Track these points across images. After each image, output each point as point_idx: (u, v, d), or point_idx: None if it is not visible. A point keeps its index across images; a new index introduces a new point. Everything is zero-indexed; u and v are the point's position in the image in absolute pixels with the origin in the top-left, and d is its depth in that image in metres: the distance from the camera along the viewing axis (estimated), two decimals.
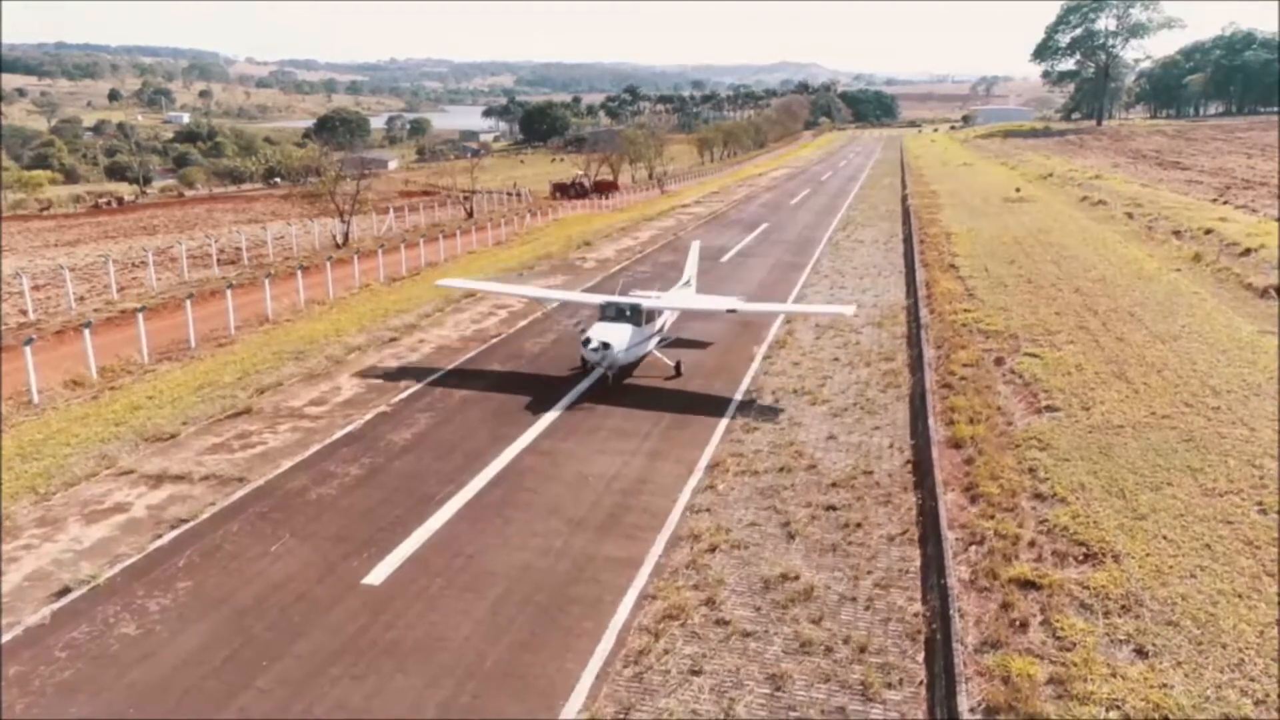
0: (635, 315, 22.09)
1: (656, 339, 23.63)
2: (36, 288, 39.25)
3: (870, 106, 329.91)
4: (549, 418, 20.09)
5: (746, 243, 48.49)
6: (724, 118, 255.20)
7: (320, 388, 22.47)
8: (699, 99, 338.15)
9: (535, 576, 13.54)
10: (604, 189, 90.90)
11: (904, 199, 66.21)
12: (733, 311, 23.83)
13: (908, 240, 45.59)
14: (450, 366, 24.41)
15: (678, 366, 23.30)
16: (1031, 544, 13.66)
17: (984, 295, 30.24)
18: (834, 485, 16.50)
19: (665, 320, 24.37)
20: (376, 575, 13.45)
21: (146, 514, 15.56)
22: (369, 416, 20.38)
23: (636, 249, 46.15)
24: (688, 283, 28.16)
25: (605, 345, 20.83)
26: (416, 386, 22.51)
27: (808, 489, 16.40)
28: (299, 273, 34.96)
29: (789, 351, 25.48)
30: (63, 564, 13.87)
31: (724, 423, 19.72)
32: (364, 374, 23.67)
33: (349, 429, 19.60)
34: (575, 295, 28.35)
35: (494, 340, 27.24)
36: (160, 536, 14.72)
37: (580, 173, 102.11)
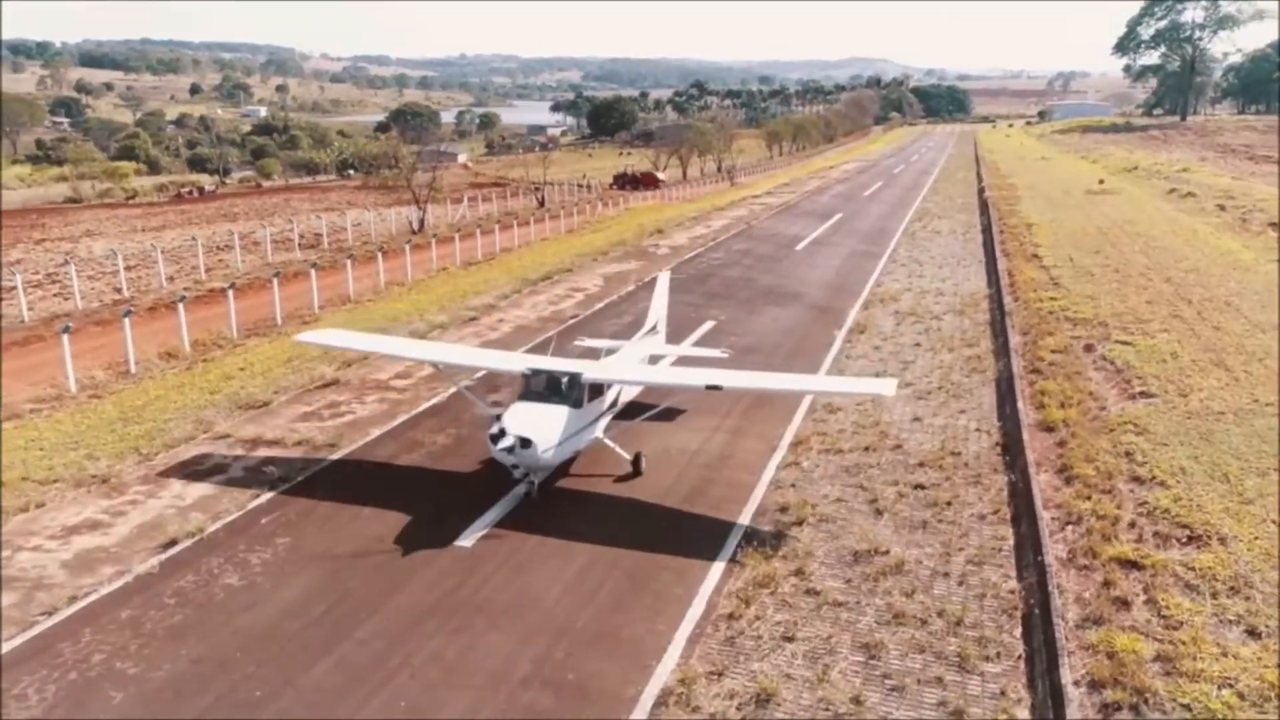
0: (573, 390, 14.77)
1: (605, 419, 16.07)
2: (129, 268, 40.66)
3: (942, 102, 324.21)
4: (684, 350, 20.19)
5: (820, 232, 48.09)
6: (792, 113, 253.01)
7: (404, 362, 22.86)
8: (766, 94, 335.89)
9: (622, 544, 13.59)
10: (647, 182, 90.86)
11: (980, 191, 64.96)
12: (714, 389, 14.85)
13: (987, 230, 44.73)
14: (527, 346, 24.64)
15: (637, 461, 15.71)
16: (1132, 525, 13.30)
17: (1069, 284, 29.54)
18: (921, 465, 16.28)
19: (619, 391, 16.58)
20: (467, 538, 13.64)
21: (243, 474, 16.03)
22: (453, 390, 20.67)
23: (709, 237, 46.06)
24: (654, 330, 20.37)
25: (524, 442, 13.64)
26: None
27: (894, 468, 16.20)
28: (379, 255, 35.64)
29: (869, 336, 25.21)
30: (168, 518, 14.36)
31: (806, 403, 19.56)
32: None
33: (433, 402, 19.92)
34: (487, 356, 19.10)
35: (571, 321, 27.44)
36: (258, 496, 15.14)
37: (629, 165, 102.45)
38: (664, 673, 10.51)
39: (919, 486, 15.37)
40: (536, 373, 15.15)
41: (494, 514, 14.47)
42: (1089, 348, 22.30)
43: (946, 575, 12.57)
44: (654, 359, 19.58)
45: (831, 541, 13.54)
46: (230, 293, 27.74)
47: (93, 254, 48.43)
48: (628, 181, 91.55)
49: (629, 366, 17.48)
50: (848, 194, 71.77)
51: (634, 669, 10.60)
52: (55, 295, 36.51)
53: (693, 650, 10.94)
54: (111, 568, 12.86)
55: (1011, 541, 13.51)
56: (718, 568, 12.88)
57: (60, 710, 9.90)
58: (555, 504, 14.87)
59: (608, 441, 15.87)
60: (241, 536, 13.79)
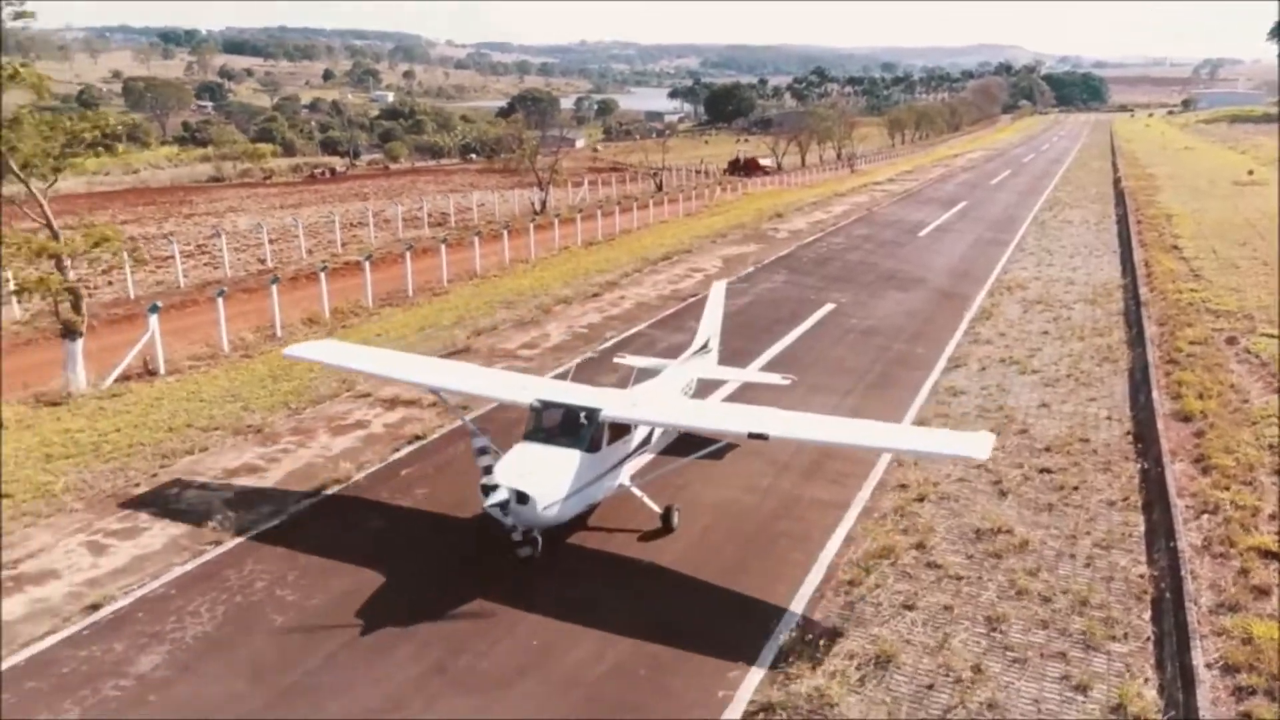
0: (589, 430, 12.03)
1: (631, 464, 13.12)
2: (270, 241, 43.01)
3: (1076, 90, 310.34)
4: (751, 368, 20.39)
5: (944, 219, 47.10)
6: (915, 100, 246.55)
7: (530, 334, 23.70)
8: (889, 81, 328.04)
9: (742, 510, 13.92)
10: (751, 168, 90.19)
11: (1116, 181, 62.34)
12: (759, 438, 11.61)
13: (1122, 221, 43.03)
14: (650, 320, 25.14)
15: (668, 515, 12.93)
16: (1273, 517, 12.87)
17: (1212, 276, 28.28)
18: (1047, 450, 16.04)
19: (653, 430, 13.43)
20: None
21: (384, 430, 16.99)
22: (577, 361, 21.26)
23: (829, 222, 45.69)
24: (705, 349, 17.10)
25: (520, 497, 11.06)
26: (620, 336, 23.35)
27: (1019, 451, 16.00)
28: (505, 234, 36.73)
29: (995, 323, 24.76)
30: (317, 466, 15.39)
31: (928, 384, 19.45)
32: (570, 324, 24.74)
33: (558, 371, 20.60)
34: (492, 383, 14.39)
35: (690, 300, 27.77)
36: (398, 450, 16.06)
37: (741, 151, 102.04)
38: (783, 632, 10.79)
39: (1045, 470, 15.16)
40: (547, 406, 12.40)
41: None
42: (1231, 340, 21.40)
43: (1072, 557, 12.44)
44: (700, 384, 16.41)
45: (953, 519, 13.53)
46: (367, 264, 29.13)
47: (237, 228, 51.24)
48: (739, 168, 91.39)
49: (664, 399, 13.90)
50: (973, 182, 69.83)
51: (754, 624, 10.92)
52: (205, 265, 38.99)
53: (811, 612, 11.19)
54: (269, 507, 13.92)
55: (1142, 528, 13.24)
56: (837, 536, 13.05)
57: (230, 627, 10.86)
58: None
59: (635, 490, 12.88)
60: (384, 485, 14.67)
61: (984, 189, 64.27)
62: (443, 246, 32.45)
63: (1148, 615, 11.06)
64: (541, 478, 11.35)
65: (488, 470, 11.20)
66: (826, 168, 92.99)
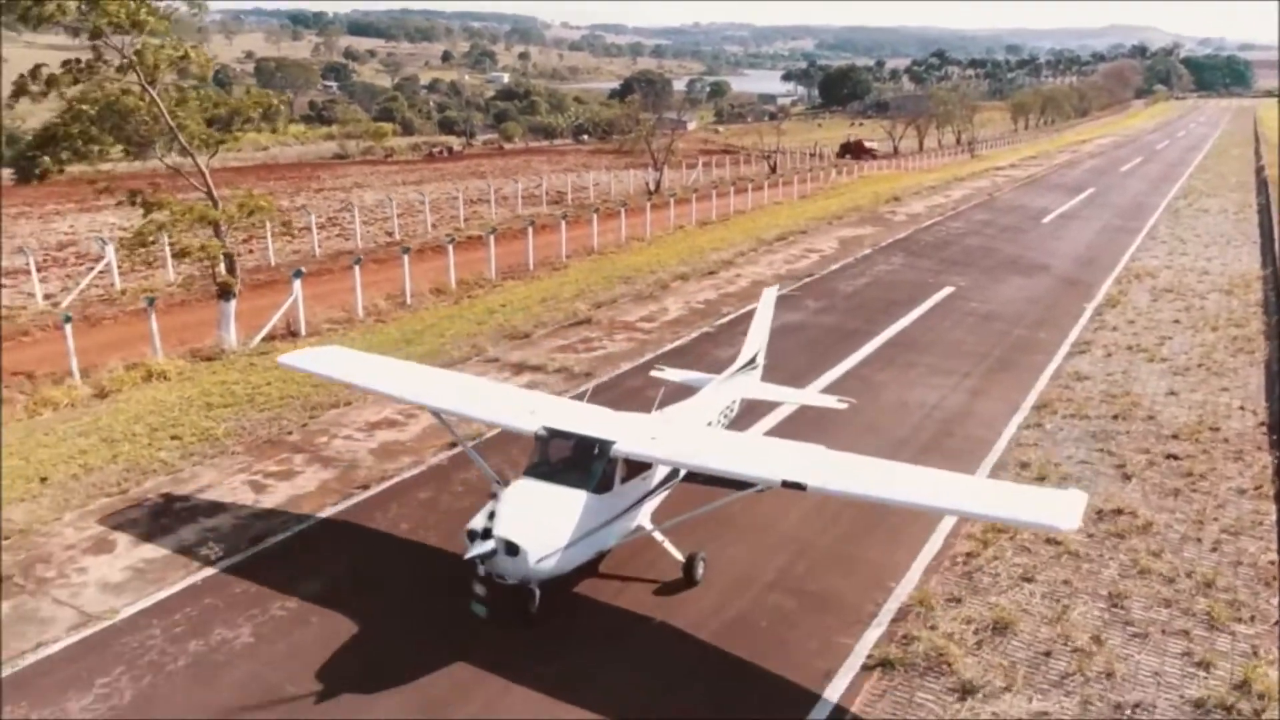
0: (600, 465, 10.43)
1: (652, 502, 11.45)
2: (397, 215, 44.86)
3: (1218, 74, 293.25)
4: (868, 348, 20.59)
5: (1070, 206, 45.70)
6: (1041, 84, 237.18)
7: (649, 308, 24.31)
8: (1013, 64, 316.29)
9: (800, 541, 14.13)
10: (859, 151, 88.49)
11: (1259, 170, 59.15)
12: (795, 487, 9.58)
13: (1264, 210, 40.99)
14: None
15: (691, 566, 11.08)
16: None
17: None
18: (1174, 437, 15.77)
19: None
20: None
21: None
22: (694, 335, 21.85)
23: (948, 206, 44.92)
24: (752, 364, 15.09)
25: (510, 548, 9.52)
26: (735, 313, 23.73)
27: (1145, 437, 15.79)
28: (622, 211, 37.45)
29: (1123, 310, 24.20)
30: (451, 422, 16.30)
31: (1051, 369, 19.25)
32: (687, 299, 25.25)
33: (677, 344, 21.16)
34: (495, 403, 12.09)
35: (807, 280, 27.93)
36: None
37: (850, 134, 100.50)
38: (902, 593, 11.08)
39: (1172, 456, 14.95)
40: (553, 435, 10.71)
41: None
42: None
43: (1198, 541, 12.33)
44: (741, 405, 14.50)
45: None
46: (491, 238, 30.21)
47: (364, 203, 53.53)
48: (849, 151, 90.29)
49: (694, 428, 12.09)
50: (1102, 169, 67.27)
51: (872, 585, 11.23)
52: (336, 236, 41.00)
53: (929, 580, 11.44)
54: (409, 458, 14.90)
55: (1274, 517, 12.99)
56: None
57: (377, 563, 11.78)
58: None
59: (656, 534, 11.15)
60: (515, 443, 15.42)
61: (1113, 175, 61.88)
62: (562, 223, 33.33)
63: (1276, 601, 10.93)
64: (537, 524, 9.65)
65: (493, 515, 9.63)
66: (945, 153, 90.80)
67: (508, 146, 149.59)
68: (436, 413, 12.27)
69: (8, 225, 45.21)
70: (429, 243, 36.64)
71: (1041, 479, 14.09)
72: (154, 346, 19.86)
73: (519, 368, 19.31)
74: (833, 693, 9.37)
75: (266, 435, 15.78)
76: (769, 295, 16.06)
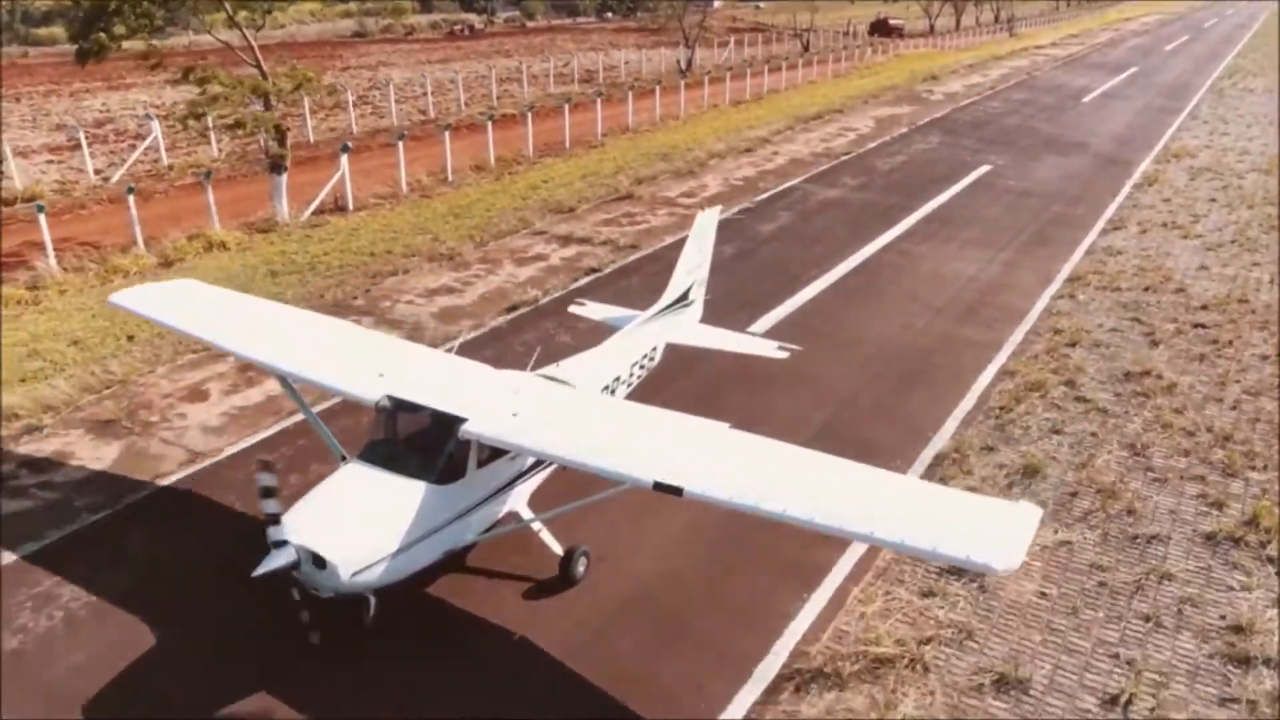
0: (444, 447, 8.38)
1: (529, 483, 9.49)
2: (425, 94, 44.70)
3: None
4: (906, 223, 21.02)
5: (1111, 85, 44.87)
6: None
7: (688, 184, 24.71)
8: None
9: (899, 345, 14.94)
10: (884, 29, 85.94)
11: None
12: (668, 491, 7.31)
13: None
14: (804, 175, 25.71)
15: (569, 561, 9.21)
16: None
17: None
18: (1203, 308, 16.33)
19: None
20: (758, 327, 15.44)
21: (562, 263, 18.57)
22: (734, 211, 22.31)
23: (986, 85, 44.26)
24: (684, 300, 12.77)
25: (315, 560, 7.56)
26: (775, 189, 24.12)
27: (1174, 308, 16.36)
28: (656, 90, 37.25)
29: (1159, 189, 24.37)
30: (507, 290, 17.11)
31: (1085, 244, 19.68)
32: (726, 176, 25.59)
33: (719, 218, 21.58)
34: (336, 364, 9.43)
35: (843, 158, 28.09)
36: (576, 280, 17.61)
37: (881, 12, 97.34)
38: (939, 443, 11.95)
39: (1199, 325, 15.55)
40: (397, 407, 8.71)
41: (781, 310, 16.10)
42: None
43: (1219, 400, 13.05)
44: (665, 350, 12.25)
45: (1103, 362, 14.23)
46: (529, 116, 30.39)
47: (392, 81, 53.20)
48: (877, 29, 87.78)
49: (570, 400, 9.48)
50: (1146, 48, 65.40)
51: (910, 436, 12.09)
52: (370, 114, 41.07)
53: (964, 431, 12.29)
54: (469, 321, 15.75)
55: None
56: (990, 371, 13.93)
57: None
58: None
59: (532, 520, 9.19)
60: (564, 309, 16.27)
61: (1157, 55, 60.23)
62: (598, 101, 33.35)
63: None
64: (352, 527, 7.79)
65: (273, 519, 7.52)
66: (983, 31, 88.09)
67: (529, 24, 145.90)
68: (279, 375, 9.70)
69: (39, 103, 45.48)
70: (463, 120, 36.72)
71: (1073, 344, 14.76)
72: (212, 218, 20.59)
73: (566, 240, 19.96)
74: None
75: (332, 300, 16.64)
76: (707, 219, 13.19)
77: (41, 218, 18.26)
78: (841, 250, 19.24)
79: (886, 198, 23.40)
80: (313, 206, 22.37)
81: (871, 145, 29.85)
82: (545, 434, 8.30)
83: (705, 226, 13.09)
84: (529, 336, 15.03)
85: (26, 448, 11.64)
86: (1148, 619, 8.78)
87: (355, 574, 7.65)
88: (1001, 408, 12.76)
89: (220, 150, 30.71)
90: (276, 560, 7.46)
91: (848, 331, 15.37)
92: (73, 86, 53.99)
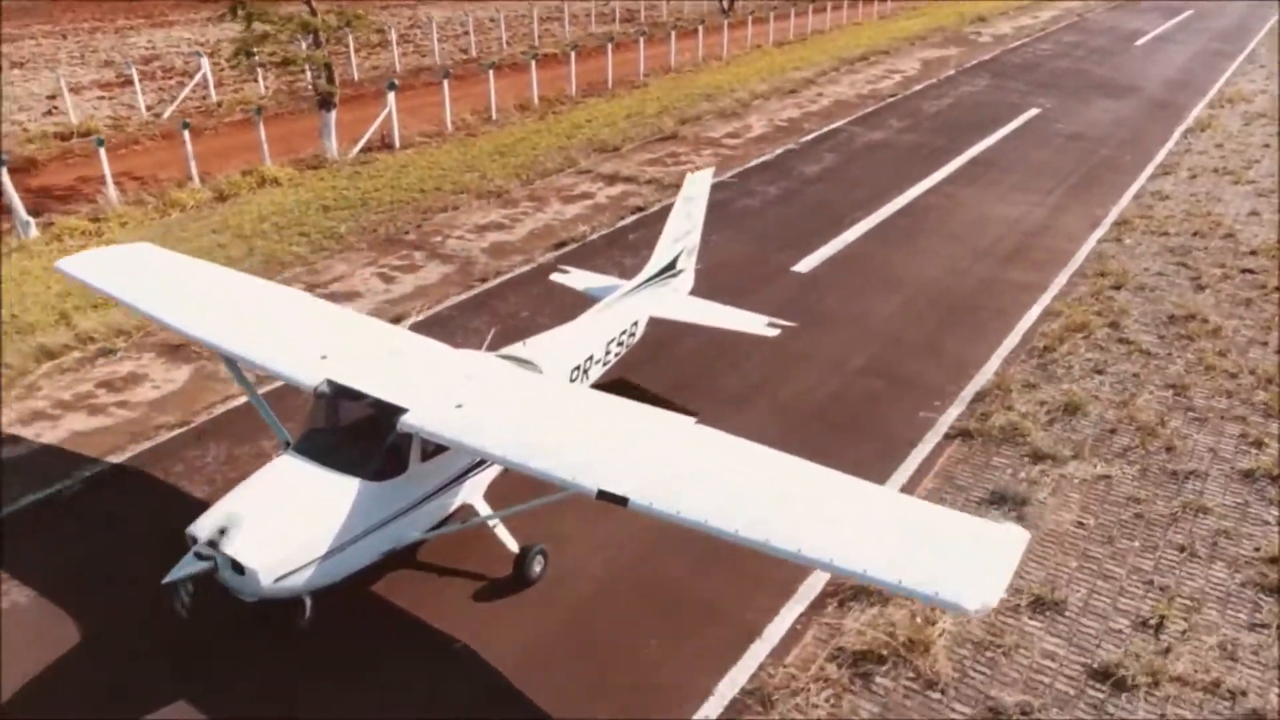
0: (383, 440, 7.80)
1: (478, 478, 8.71)
2: (465, 33, 44.55)
3: None
4: (952, 166, 20.95)
5: (1165, 28, 43.69)
6: None
7: (732, 125, 24.69)
8: None
9: (943, 286, 15.09)
10: None
11: None
12: (612, 500, 6.62)
13: None
14: (849, 118, 25.56)
15: (523, 559, 8.50)
16: None
17: None
18: (1253, 253, 16.28)
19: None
20: (803, 266, 15.65)
21: (608, 201, 18.80)
22: (779, 152, 22.34)
23: (1036, 28, 43.30)
24: (672, 269, 11.94)
25: (234, 565, 7.01)
26: (820, 131, 24.05)
27: (1222, 253, 16.31)
28: (699, 30, 36.90)
29: (1212, 134, 24.02)
30: (555, 227, 17.40)
31: (1134, 189, 19.54)
32: (770, 117, 25.52)
33: (763, 159, 21.71)
34: (278, 345, 8.65)
35: (889, 100, 27.83)
36: (623, 217, 17.85)
37: None
38: (981, 381, 12.17)
39: (1247, 271, 15.53)
40: (336, 394, 8.08)
41: (826, 250, 16.26)
42: None
43: (1264, 345, 13.12)
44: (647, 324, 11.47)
45: (1147, 305, 14.31)
46: (572, 55, 30.33)
47: (433, 19, 52.99)
48: None
49: (525, 389, 8.53)
50: None
51: (954, 373, 12.33)
52: (412, 53, 41.10)
53: (1006, 369, 12.50)
54: (519, 256, 16.09)
55: None
56: (1033, 312, 14.05)
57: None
58: (875, 254, 15.26)
59: (490, 518, 8.51)
60: (614, 246, 16.54)
61: None
62: (640, 41, 33.13)
63: None
64: (277, 531, 7.21)
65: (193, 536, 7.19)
66: None
67: None
68: (225, 355, 8.94)
69: (85, 40, 45.96)
70: (506, 60, 36.70)
71: (1118, 287, 14.82)
72: (263, 154, 20.97)
73: (611, 179, 20.15)
74: (915, 457, 10.62)
75: (385, 234, 17.03)
76: (699, 181, 12.09)
77: (101, 151, 18.74)
78: (886, 192, 19.26)
79: (932, 140, 23.27)
80: (361, 143, 22.65)
81: (917, 88, 29.51)
82: (488, 430, 7.51)
83: (696, 189, 12.04)
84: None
85: (102, 370, 12.22)
86: (1182, 549, 9.05)
87: (278, 580, 7.13)
88: (1044, 348, 12.94)
89: (267, 88, 31.03)
90: (190, 566, 7.02)
91: (892, 272, 15.52)
92: (117, 23, 54.44)
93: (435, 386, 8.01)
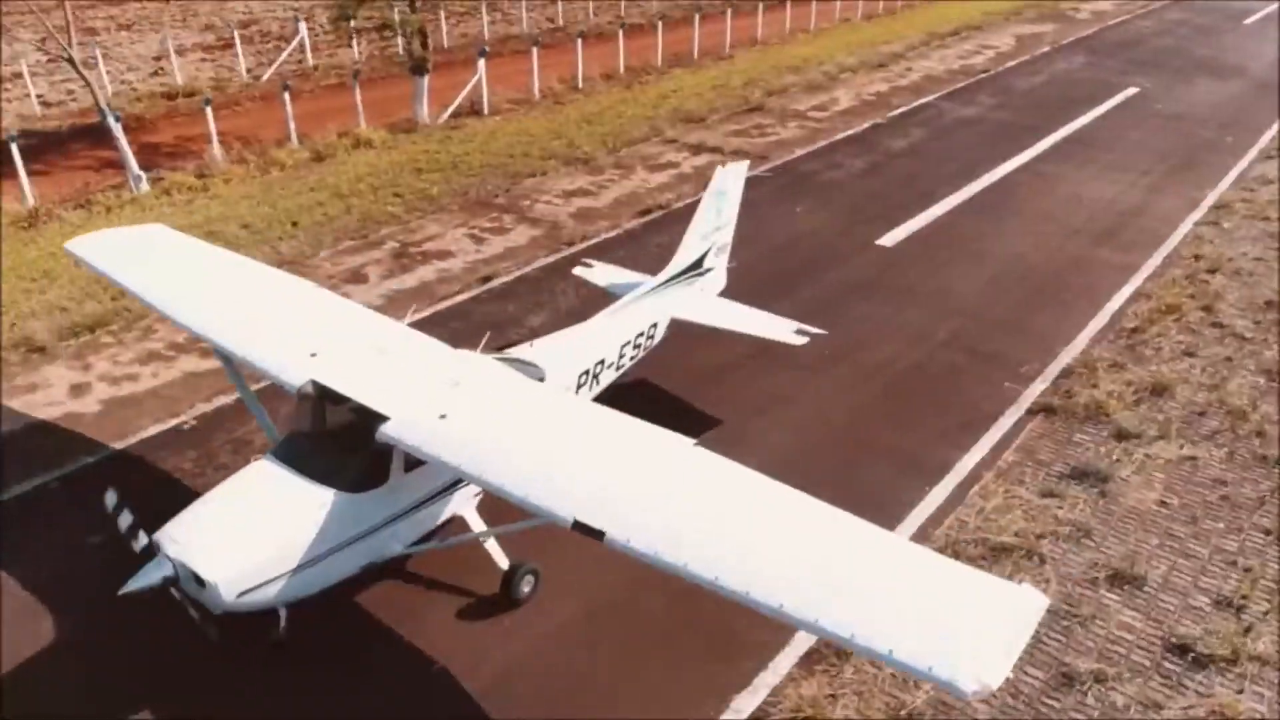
0: (361, 449, 7.42)
1: (469, 489, 8.21)
2: (557, 2, 44.79)
3: None
4: (1045, 144, 20.57)
5: (1277, 7, 41.71)
6: None
7: (819, 98, 24.54)
8: None
9: (1030, 264, 14.94)
10: None
11: None
12: (589, 534, 6.06)
13: None
14: (939, 93, 25.18)
15: (511, 579, 8.06)
16: None
17: None
18: None
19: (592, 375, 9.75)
20: (888, 240, 15.63)
21: (693, 171, 18.96)
22: (866, 126, 22.17)
23: (1138, 5, 41.71)
24: (698, 268, 11.37)
25: (197, 579, 6.66)
26: (908, 106, 23.78)
27: None
28: (787, 1, 36.55)
29: None
30: (640, 195, 17.66)
31: (1235, 172, 18.96)
32: (858, 91, 25.29)
33: (849, 133, 21.59)
34: (268, 340, 8.23)
35: (980, 76, 27.31)
36: (707, 187, 17.93)
37: None
38: (1067, 358, 12.10)
39: None
40: (320, 396, 7.66)
41: (912, 225, 16.21)
42: None
43: None
44: (670, 327, 10.89)
45: (1244, 290, 13.96)
46: (660, 26, 30.37)
47: None
48: None
49: (514, 399, 7.81)
50: None
51: (1039, 350, 12.26)
52: (500, 20, 41.55)
53: (1093, 349, 12.38)
54: (605, 222, 16.39)
55: None
56: (1124, 293, 13.84)
57: (572, 317, 13.48)
58: (962, 229, 15.36)
59: (473, 535, 8.14)
60: None
61: None
62: (727, 12, 32.99)
63: None
64: (243, 542, 6.85)
65: (132, 532, 6.86)
66: None
67: None
68: (218, 348, 8.53)
69: (186, 4, 47.45)
70: (593, 30, 36.89)
71: (1213, 271, 14.48)
72: (358, 117, 21.59)
73: (697, 149, 20.29)
74: (996, 431, 10.65)
75: (475, 197, 17.48)
76: (731, 175, 11.53)
77: (208, 111, 19.53)
78: (975, 168, 19.02)
79: (1025, 117, 22.82)
80: (451, 109, 23.14)
81: (1011, 64, 28.85)
82: (468, 445, 6.95)
83: (728, 183, 11.44)
84: (662, 239, 15.55)
85: None
86: (1268, 533, 8.97)
87: (242, 594, 6.74)
88: (1134, 329, 12.77)
89: (360, 53, 31.77)
90: (148, 576, 6.63)
91: (979, 247, 15.41)
92: None
93: (421, 393, 7.48)
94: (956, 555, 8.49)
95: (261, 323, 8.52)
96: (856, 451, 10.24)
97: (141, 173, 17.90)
